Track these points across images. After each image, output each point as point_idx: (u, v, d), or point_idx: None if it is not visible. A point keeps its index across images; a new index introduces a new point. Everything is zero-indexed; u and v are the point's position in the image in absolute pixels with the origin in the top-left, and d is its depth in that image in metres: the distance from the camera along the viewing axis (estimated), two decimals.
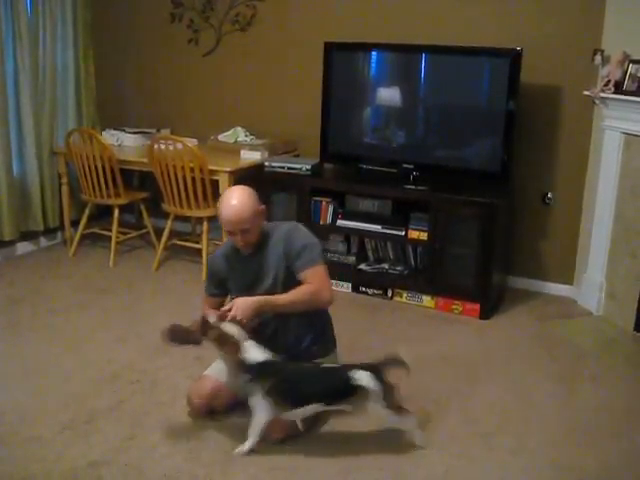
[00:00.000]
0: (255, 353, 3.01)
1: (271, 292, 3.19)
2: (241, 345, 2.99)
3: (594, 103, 4.60)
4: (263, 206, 3.21)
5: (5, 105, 5.22)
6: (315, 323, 3.36)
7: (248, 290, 3.23)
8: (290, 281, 3.17)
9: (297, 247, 3.16)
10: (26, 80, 5.36)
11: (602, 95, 4.39)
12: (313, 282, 3.14)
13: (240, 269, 3.29)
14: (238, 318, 3.02)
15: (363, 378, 2.95)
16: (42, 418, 3.28)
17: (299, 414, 3.08)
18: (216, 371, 3.35)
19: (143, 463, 2.96)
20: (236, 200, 3.12)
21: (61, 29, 5.69)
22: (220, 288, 3.39)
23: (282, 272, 3.19)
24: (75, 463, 2.95)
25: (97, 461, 2.97)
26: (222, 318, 3.04)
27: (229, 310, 3.05)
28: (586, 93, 4.50)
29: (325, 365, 3.19)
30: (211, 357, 3.47)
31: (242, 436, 3.15)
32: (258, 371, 2.99)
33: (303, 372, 3.12)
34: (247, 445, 3.03)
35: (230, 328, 3.01)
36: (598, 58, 4.44)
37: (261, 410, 3.00)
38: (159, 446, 3.09)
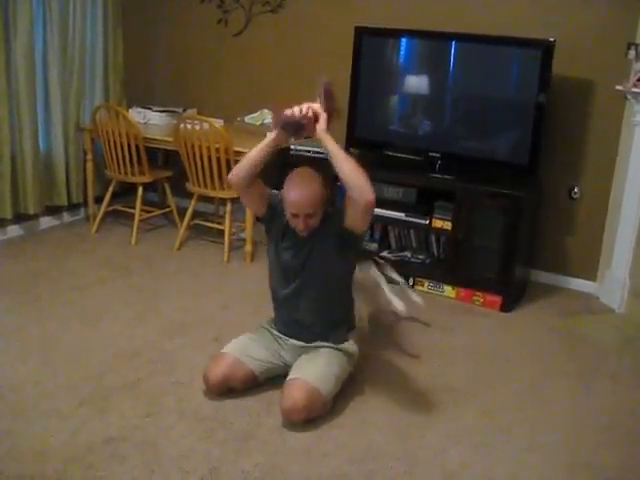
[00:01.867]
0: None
1: (319, 272, 3.26)
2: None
3: (626, 98, 4.53)
4: (329, 190, 3.21)
5: (33, 81, 5.22)
6: (340, 307, 3.42)
7: (292, 267, 3.29)
8: (341, 263, 3.25)
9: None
10: (55, 56, 5.35)
11: (634, 90, 4.32)
12: None
13: (292, 239, 3.30)
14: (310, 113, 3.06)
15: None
16: (60, 392, 3.30)
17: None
18: (233, 349, 3.36)
19: (159, 441, 2.97)
20: (307, 183, 3.13)
21: (91, 7, 5.66)
22: (269, 208, 3.35)
23: (337, 241, 3.20)
24: (91, 438, 2.97)
25: (113, 437, 2.98)
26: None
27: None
28: (618, 88, 4.43)
29: None
30: (229, 338, 3.48)
31: (258, 416, 3.18)
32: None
33: None
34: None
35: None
36: (632, 52, 4.36)
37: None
38: (175, 425, 3.10)
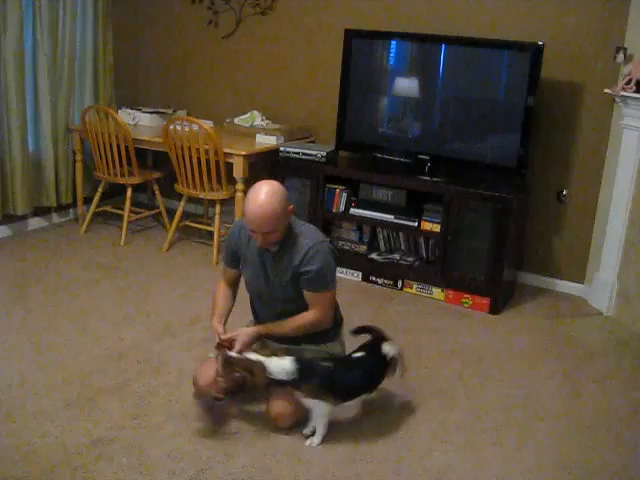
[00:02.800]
0: (278, 365, 2.96)
1: (280, 294, 3.20)
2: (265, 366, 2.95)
3: (614, 101, 4.55)
4: (292, 206, 3.07)
5: (22, 81, 5.21)
6: None
7: (257, 285, 3.24)
8: (298, 288, 3.17)
9: (313, 268, 3.07)
10: (44, 57, 5.34)
11: (623, 94, 4.34)
12: (317, 307, 3.15)
13: (257, 257, 3.21)
14: (238, 349, 3.04)
15: (391, 349, 3.19)
16: (47, 393, 3.29)
17: (353, 405, 3.25)
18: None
19: (146, 443, 2.97)
20: (265, 200, 2.93)
21: (81, 7, 5.65)
22: (237, 261, 3.31)
23: (291, 279, 3.15)
24: (78, 439, 2.96)
25: (100, 439, 2.97)
26: (220, 348, 3.07)
27: (229, 341, 3.08)
28: (606, 91, 4.45)
29: (356, 355, 3.20)
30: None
31: (246, 419, 3.19)
32: (293, 380, 2.97)
33: (344, 366, 3.16)
34: (317, 439, 3.06)
35: (252, 356, 2.98)
36: (620, 56, 4.39)
37: (317, 409, 3.04)
38: (163, 426, 3.10)
